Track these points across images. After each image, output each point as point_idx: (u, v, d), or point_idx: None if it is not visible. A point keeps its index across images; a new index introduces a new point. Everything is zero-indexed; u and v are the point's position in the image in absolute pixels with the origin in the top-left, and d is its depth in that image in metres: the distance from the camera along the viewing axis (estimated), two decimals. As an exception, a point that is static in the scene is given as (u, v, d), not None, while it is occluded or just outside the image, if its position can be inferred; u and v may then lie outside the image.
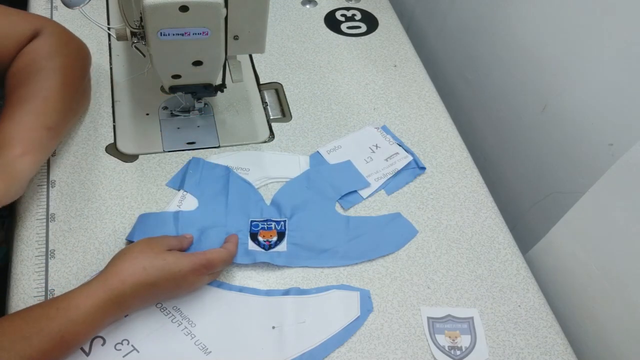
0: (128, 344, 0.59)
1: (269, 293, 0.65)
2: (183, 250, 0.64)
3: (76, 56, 0.74)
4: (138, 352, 0.59)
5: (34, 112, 0.65)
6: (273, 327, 0.62)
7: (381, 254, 0.70)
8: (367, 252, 0.70)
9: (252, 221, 0.70)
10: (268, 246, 0.68)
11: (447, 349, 0.63)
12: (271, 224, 0.70)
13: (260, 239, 0.69)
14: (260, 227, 0.70)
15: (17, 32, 0.70)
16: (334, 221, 0.72)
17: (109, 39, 0.90)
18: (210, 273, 0.63)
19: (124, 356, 0.58)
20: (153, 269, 0.58)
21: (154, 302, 0.62)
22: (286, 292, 0.65)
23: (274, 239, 0.69)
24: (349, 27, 0.99)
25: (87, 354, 0.58)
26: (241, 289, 0.65)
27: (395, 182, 0.77)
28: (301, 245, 0.69)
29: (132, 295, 0.57)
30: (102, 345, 0.59)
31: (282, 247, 0.68)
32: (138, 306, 0.60)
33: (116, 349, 0.59)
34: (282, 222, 0.70)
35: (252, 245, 0.68)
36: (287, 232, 0.70)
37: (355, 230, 0.71)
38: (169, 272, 0.58)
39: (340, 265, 0.68)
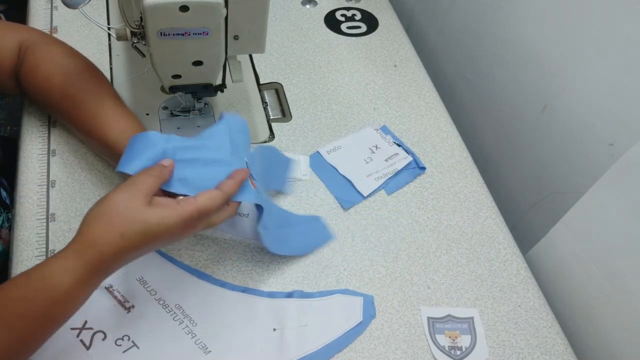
0: (129, 339, 0.59)
1: (271, 295, 0.65)
2: (165, 181, 0.56)
3: (80, 55, 0.76)
4: (138, 348, 0.59)
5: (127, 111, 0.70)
6: (274, 329, 0.62)
7: (291, 253, 0.68)
8: (280, 246, 0.66)
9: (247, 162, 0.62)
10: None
11: (447, 349, 0.63)
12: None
13: None
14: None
15: (7, 43, 0.72)
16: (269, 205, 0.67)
17: (109, 39, 0.90)
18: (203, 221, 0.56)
19: (123, 352, 0.59)
20: (132, 235, 0.51)
21: (140, 256, 0.55)
22: (289, 295, 0.65)
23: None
24: (349, 27, 0.99)
25: (88, 348, 0.58)
26: (244, 290, 0.65)
27: (395, 182, 0.78)
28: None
29: (113, 263, 0.52)
30: (103, 340, 0.59)
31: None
32: (122, 266, 0.54)
33: (116, 344, 0.59)
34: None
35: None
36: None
37: (277, 221, 0.67)
38: (152, 235, 0.51)
39: (266, 247, 0.65)
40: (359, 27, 0.99)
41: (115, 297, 0.62)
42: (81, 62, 0.73)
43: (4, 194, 0.79)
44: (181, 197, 0.55)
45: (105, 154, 0.71)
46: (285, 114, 0.85)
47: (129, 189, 0.53)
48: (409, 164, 0.79)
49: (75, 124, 0.71)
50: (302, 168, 0.77)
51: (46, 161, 0.73)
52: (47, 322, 0.50)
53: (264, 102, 0.85)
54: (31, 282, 0.50)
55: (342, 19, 1.01)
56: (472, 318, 0.66)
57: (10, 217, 0.77)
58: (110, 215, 0.51)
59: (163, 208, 0.52)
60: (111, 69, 0.86)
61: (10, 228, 0.69)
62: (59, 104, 0.71)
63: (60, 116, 0.73)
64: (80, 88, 0.70)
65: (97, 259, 0.50)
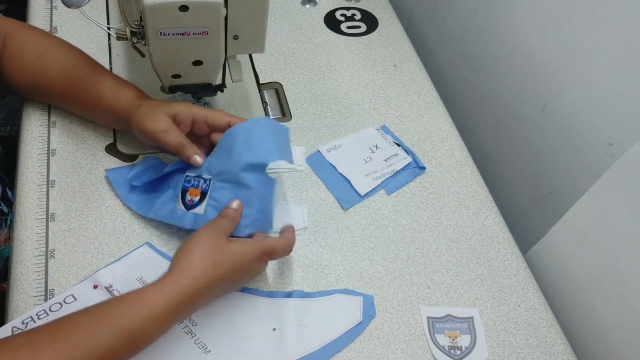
0: None
1: (271, 295, 0.65)
2: (237, 223, 0.62)
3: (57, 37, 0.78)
4: None
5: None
6: (274, 330, 0.62)
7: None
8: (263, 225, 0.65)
9: (187, 176, 0.66)
10: (190, 206, 0.64)
11: (447, 349, 0.63)
12: (199, 182, 0.65)
13: (188, 197, 0.64)
14: (191, 184, 0.65)
15: None
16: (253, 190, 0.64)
17: (109, 39, 0.90)
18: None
19: None
20: (223, 264, 0.57)
21: (222, 295, 0.62)
22: (289, 295, 0.65)
23: (197, 198, 0.64)
24: (349, 27, 0.99)
25: None
26: (244, 290, 0.65)
27: (395, 182, 0.78)
28: (219, 209, 0.63)
29: (204, 292, 0.56)
30: None
31: (201, 209, 0.64)
32: (208, 302, 0.60)
33: None
34: (209, 181, 0.65)
35: (179, 205, 0.65)
36: (209, 193, 0.64)
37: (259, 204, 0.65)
38: (238, 265, 0.59)
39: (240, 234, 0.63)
40: (359, 27, 0.99)
41: (115, 297, 0.62)
42: (64, 43, 0.75)
43: (9, 194, 0.78)
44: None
45: (111, 120, 0.74)
46: (285, 114, 0.85)
47: (212, 230, 0.59)
48: (409, 164, 0.79)
49: (78, 99, 0.73)
50: (297, 158, 0.77)
51: (46, 161, 0.73)
52: (131, 339, 0.52)
53: (264, 102, 0.85)
54: (128, 300, 0.53)
55: (342, 19, 1.01)
56: (472, 318, 0.66)
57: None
58: (202, 248, 0.57)
59: (243, 242, 0.60)
60: (111, 69, 0.86)
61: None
62: (57, 84, 0.72)
63: (57, 97, 0.74)
64: (77, 65, 0.72)
65: (192, 285, 0.55)
